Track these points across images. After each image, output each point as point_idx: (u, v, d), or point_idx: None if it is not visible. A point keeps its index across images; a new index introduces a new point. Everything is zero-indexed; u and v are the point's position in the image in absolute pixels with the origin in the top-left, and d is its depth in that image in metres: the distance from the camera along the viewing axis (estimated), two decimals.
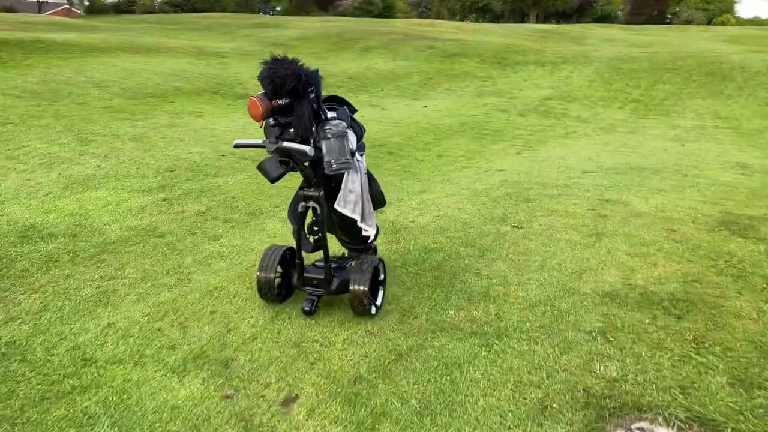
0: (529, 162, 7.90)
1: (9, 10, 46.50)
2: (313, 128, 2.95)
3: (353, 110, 3.43)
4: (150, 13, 53.55)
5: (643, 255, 4.22)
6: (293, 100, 2.84)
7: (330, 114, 3.11)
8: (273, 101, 2.82)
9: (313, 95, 2.92)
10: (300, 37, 21.58)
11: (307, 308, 3.26)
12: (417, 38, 21.45)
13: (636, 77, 15.77)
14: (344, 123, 3.06)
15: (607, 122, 12.03)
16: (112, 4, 64.42)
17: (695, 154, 8.99)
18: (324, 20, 27.80)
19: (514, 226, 4.85)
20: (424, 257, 4.17)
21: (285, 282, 3.45)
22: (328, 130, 2.95)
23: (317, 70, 3.00)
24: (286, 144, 2.86)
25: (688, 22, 67.27)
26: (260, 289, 3.35)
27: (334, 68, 17.05)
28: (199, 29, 23.97)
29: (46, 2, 57.90)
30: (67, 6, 59.31)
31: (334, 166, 2.93)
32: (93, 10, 60.52)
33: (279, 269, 3.37)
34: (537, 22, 69.14)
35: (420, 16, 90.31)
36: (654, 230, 4.75)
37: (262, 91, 2.84)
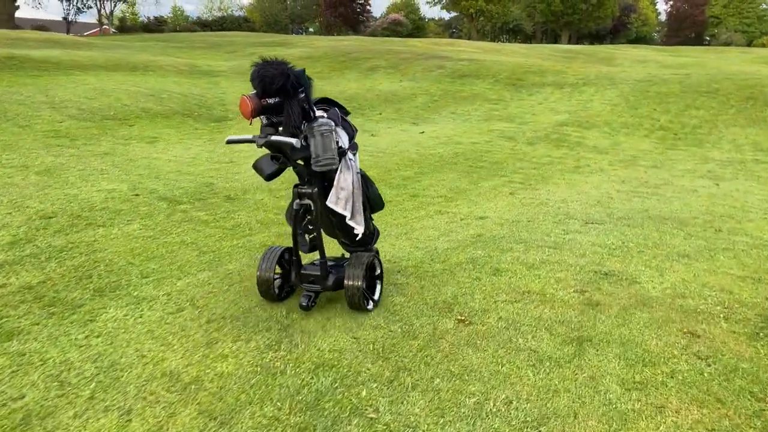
0: (521, 206, 6.39)
1: (40, 28, 46.88)
2: (303, 126, 3.05)
3: (346, 112, 3.51)
4: (176, 32, 53.55)
5: (645, 386, 2.70)
6: (283, 99, 2.97)
7: (319, 113, 3.20)
8: (263, 99, 2.96)
9: (302, 95, 3.04)
10: (306, 56, 20.45)
11: (304, 303, 3.32)
12: (429, 57, 20.12)
13: (665, 101, 14.10)
14: (332, 122, 3.13)
15: (628, 153, 10.41)
16: (142, 24, 64.93)
17: (732, 197, 7.35)
18: (337, 40, 26.78)
19: (461, 320, 3.36)
20: (304, 381, 2.71)
21: (285, 281, 3.53)
22: (315, 128, 3.05)
23: (304, 70, 3.08)
24: (274, 137, 2.98)
25: (727, 44, 64.81)
26: (260, 289, 3.45)
27: (335, 88, 15.78)
28: (204, 47, 23.09)
29: (75, 22, 58.56)
30: (105, 26, 59.81)
31: (321, 162, 3.05)
32: (124, 29, 60.88)
33: (278, 269, 3.45)
34: (570, 43, 67.49)
35: (451, 36, 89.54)
36: (667, 333, 3.21)
37: (254, 91, 3.00)
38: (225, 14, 72.95)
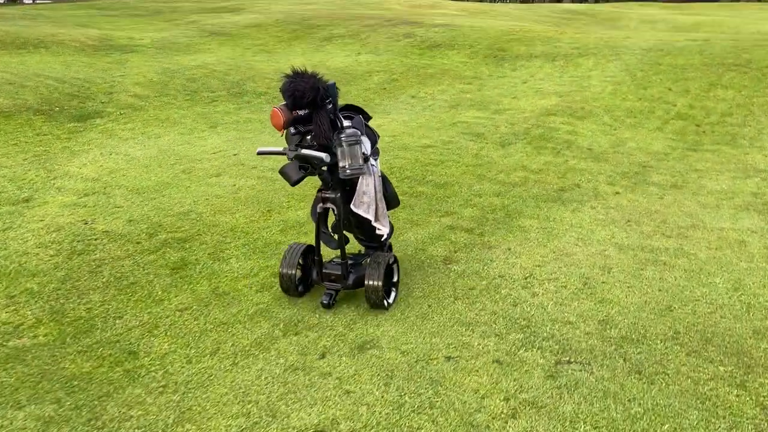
0: (446, 306, 3.66)
1: None
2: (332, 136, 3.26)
3: (368, 117, 3.67)
4: None
5: None
6: (312, 110, 3.20)
7: (345, 123, 3.39)
8: (293, 112, 3.18)
9: (330, 106, 3.26)
10: (253, 25, 17.32)
11: (325, 301, 3.57)
12: (399, 23, 16.97)
13: (682, 78, 11.07)
14: (359, 131, 3.32)
15: (634, 160, 7.51)
16: None
17: None
18: (300, 3, 23.52)
19: None
20: None
21: (304, 277, 3.75)
22: (343, 138, 3.23)
23: (334, 84, 3.33)
24: (304, 151, 3.19)
25: None
26: (282, 284, 3.68)
27: (271, 66, 12.78)
28: (142, 15, 19.88)
29: None
30: None
31: (348, 171, 3.27)
32: None
33: (300, 262, 3.65)
34: (574, 1, 63.39)
35: None
36: None
37: (283, 102, 3.22)
38: None
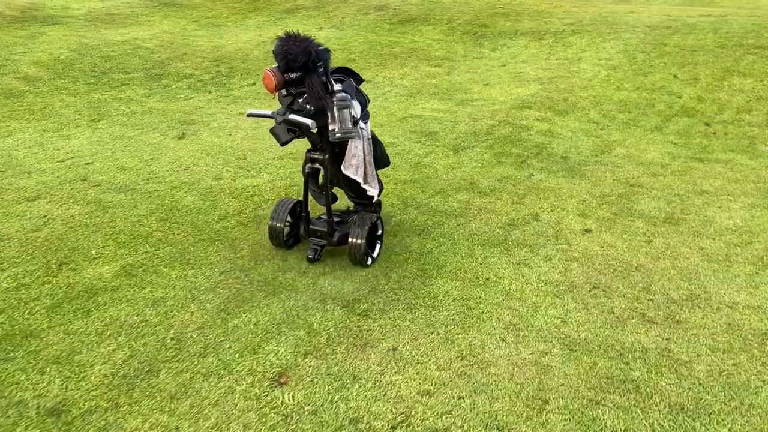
0: None
1: None
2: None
3: (360, 80, 3.72)
4: None
5: None
6: (303, 73, 3.23)
7: (336, 86, 3.39)
8: (285, 75, 3.21)
9: (321, 69, 3.29)
10: None
11: (311, 256, 3.71)
12: None
13: (691, 62, 9.17)
14: (349, 95, 3.34)
15: (621, 176, 5.75)
16: None
17: None
18: None
19: None
20: None
21: (293, 232, 3.90)
22: (333, 102, 3.27)
23: (324, 47, 3.36)
24: (291, 116, 3.26)
25: None
26: (271, 236, 3.83)
27: (210, 43, 10.97)
28: None
29: None
30: None
31: (338, 134, 3.31)
32: None
33: (288, 219, 3.79)
34: None
35: None
36: None
37: (276, 65, 3.22)
38: None
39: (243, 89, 8.87)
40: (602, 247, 4.22)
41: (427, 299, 3.47)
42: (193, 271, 3.70)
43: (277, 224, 3.75)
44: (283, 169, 5.58)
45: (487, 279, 3.73)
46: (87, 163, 5.45)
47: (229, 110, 7.78)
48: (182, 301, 3.34)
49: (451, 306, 3.40)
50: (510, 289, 3.62)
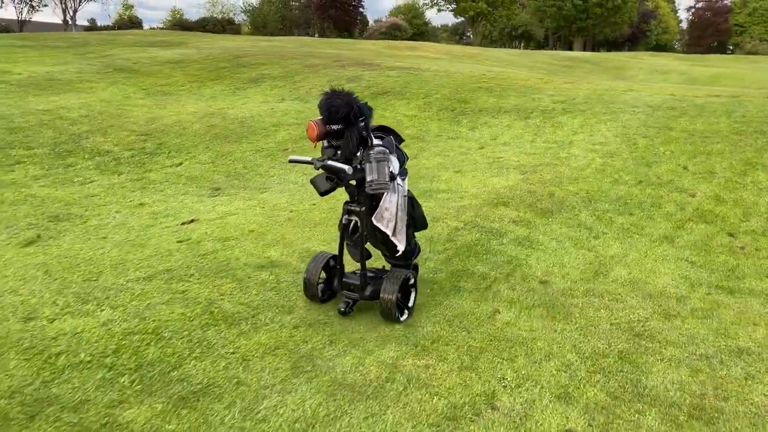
0: None
1: (4, 30, 41.43)
2: (358, 153, 3.40)
3: (400, 140, 3.81)
4: (133, 27, 47.13)
5: None
6: (344, 126, 3.34)
7: (376, 141, 3.52)
8: (327, 126, 3.32)
9: (362, 124, 3.41)
10: (174, 61, 14.25)
11: (342, 309, 3.68)
12: (350, 65, 13.84)
13: (704, 150, 7.66)
14: (387, 150, 3.43)
15: (623, 317, 4.14)
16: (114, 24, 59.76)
17: None
18: (253, 40, 20.63)
19: None
20: None
21: (327, 285, 3.89)
22: (371, 155, 3.34)
23: (366, 103, 3.48)
24: (330, 162, 3.34)
25: (751, 53, 58.05)
26: (305, 288, 3.83)
27: (148, 114, 9.57)
28: (62, 47, 16.89)
29: (29, 21, 53.37)
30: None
31: (373, 186, 3.36)
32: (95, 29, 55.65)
33: (323, 273, 3.80)
34: (586, 50, 61.11)
35: (459, 42, 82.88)
36: None
37: (320, 117, 3.33)
38: (207, 16, 67.31)
39: (163, 171, 7.35)
40: None
41: None
42: None
43: (311, 277, 3.76)
44: (139, 300, 3.91)
45: None
46: None
47: (127, 200, 6.21)
48: None
49: None
50: None
